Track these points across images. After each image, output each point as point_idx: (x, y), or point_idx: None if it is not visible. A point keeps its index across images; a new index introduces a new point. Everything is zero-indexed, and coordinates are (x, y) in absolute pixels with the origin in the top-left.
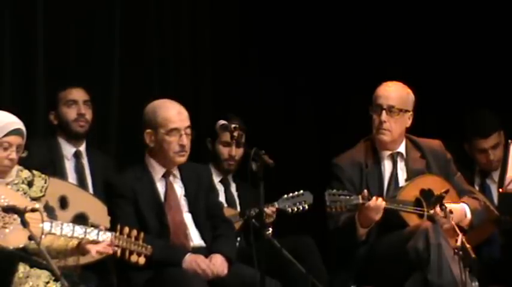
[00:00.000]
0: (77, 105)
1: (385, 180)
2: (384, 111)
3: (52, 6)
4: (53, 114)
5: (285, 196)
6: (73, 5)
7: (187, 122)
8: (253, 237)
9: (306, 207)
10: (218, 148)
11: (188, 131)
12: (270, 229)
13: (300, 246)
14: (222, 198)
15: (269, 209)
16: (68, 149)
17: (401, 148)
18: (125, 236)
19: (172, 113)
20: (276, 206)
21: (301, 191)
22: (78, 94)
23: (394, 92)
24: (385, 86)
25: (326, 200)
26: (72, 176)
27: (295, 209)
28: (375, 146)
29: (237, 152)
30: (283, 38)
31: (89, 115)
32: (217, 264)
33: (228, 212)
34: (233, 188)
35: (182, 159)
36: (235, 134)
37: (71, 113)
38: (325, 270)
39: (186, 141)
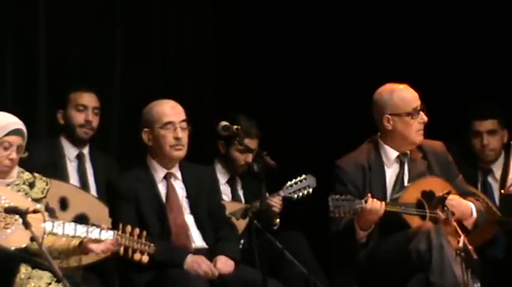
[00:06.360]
0: (86, 111)
1: (390, 182)
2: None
3: (54, 9)
4: (60, 113)
5: (288, 183)
6: (75, 7)
7: (182, 116)
8: (255, 238)
9: (311, 191)
10: (234, 153)
11: (184, 125)
12: (278, 220)
13: (289, 241)
14: (228, 197)
15: (275, 200)
16: (70, 151)
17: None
18: (128, 234)
19: (166, 108)
20: (281, 194)
21: (303, 176)
22: (89, 100)
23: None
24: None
25: (330, 206)
26: (74, 178)
27: (301, 195)
28: (378, 148)
29: (250, 158)
30: (285, 39)
31: (95, 122)
32: (223, 264)
33: (233, 206)
34: (239, 185)
35: (179, 153)
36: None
37: (78, 118)
38: (317, 264)
39: (181, 134)
